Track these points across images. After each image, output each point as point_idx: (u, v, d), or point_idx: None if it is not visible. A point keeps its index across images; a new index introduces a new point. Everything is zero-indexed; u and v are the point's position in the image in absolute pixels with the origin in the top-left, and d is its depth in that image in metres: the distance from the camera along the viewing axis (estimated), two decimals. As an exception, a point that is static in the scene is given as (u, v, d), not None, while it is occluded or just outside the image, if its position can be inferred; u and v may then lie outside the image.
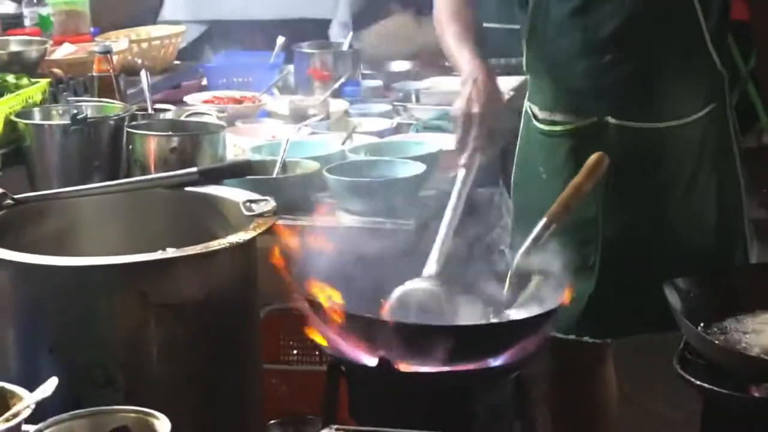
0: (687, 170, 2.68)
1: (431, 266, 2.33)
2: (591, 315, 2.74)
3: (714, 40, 2.63)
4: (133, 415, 1.65)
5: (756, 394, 2.04)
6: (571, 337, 2.79)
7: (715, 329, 2.22)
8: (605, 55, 2.62)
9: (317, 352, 2.93)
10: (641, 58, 2.62)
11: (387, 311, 2.28)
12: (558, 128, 2.74)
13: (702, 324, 2.21)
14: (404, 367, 2.09)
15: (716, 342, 2.13)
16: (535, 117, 2.80)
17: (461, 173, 2.45)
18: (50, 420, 1.66)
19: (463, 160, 2.46)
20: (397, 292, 2.30)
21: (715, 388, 2.05)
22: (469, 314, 2.30)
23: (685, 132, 2.66)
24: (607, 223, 2.70)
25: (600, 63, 2.62)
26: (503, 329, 2.20)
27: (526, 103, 2.85)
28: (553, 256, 2.26)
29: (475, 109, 2.47)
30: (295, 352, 3.34)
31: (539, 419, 2.37)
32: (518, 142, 2.89)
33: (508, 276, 2.28)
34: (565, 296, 2.18)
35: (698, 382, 2.07)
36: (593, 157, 2.42)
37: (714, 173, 2.70)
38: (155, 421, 1.63)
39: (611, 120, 2.65)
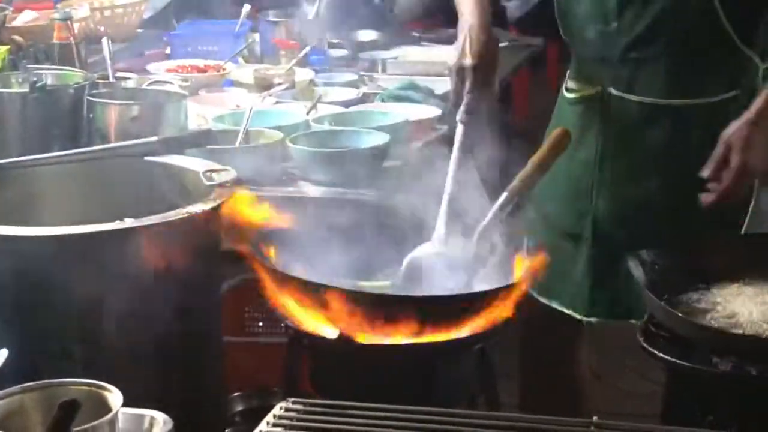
0: (679, 153, 2.57)
1: (440, 228, 2.31)
2: (580, 290, 2.71)
3: (731, 20, 2.48)
4: (85, 387, 1.62)
5: (720, 367, 2.03)
6: (554, 304, 2.76)
7: (680, 302, 2.20)
8: (611, 23, 2.55)
9: (283, 324, 2.91)
10: (642, 30, 2.53)
11: (400, 278, 2.27)
12: (572, 95, 2.71)
13: (666, 296, 2.20)
14: (365, 339, 2.07)
15: (679, 314, 2.12)
16: (565, 85, 2.77)
17: (459, 129, 2.43)
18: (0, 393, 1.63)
19: (459, 114, 2.43)
20: (407, 258, 2.29)
21: (678, 361, 2.03)
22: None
23: (695, 114, 2.55)
24: (600, 196, 2.66)
25: (606, 30, 2.57)
26: (466, 300, 2.18)
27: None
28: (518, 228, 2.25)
29: (467, 62, 2.43)
30: (260, 324, 3.32)
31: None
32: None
33: (471, 248, 2.26)
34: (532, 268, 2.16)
35: (662, 355, 2.05)
36: (556, 131, 2.40)
37: None
38: (108, 394, 1.60)
39: (613, 91, 2.61)
